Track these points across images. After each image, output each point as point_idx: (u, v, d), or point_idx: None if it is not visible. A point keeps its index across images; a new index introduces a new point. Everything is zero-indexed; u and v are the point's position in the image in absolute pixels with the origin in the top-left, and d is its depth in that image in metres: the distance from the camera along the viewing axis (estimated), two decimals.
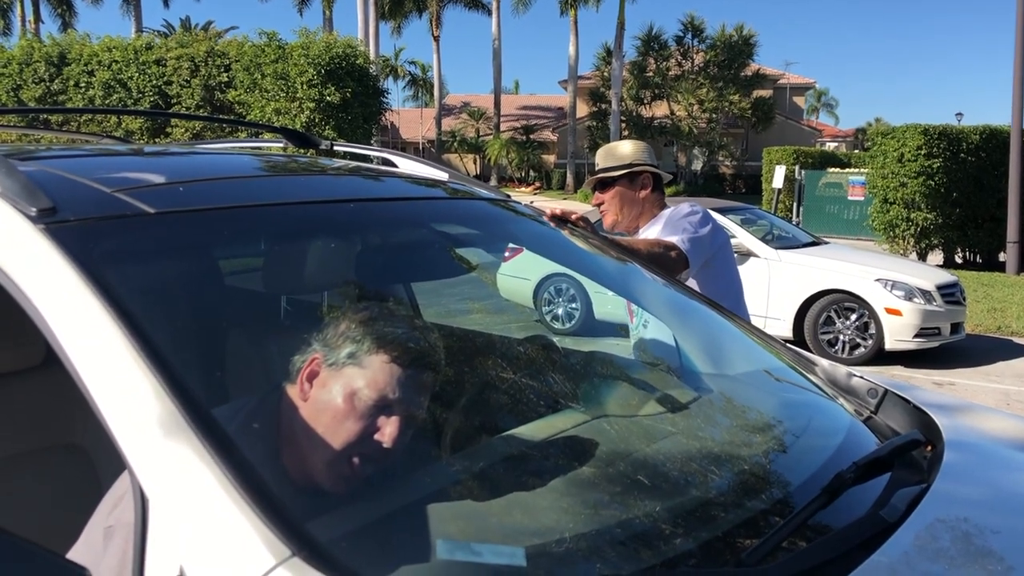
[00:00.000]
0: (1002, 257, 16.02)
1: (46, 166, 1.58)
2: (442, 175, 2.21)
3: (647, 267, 2.21)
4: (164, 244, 1.37)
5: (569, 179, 40.00)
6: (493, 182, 39.40)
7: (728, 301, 2.81)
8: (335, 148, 2.49)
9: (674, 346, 2.10)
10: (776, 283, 8.43)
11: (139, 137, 18.35)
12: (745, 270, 8.64)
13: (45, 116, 17.10)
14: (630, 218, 2.96)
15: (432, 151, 45.44)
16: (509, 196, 2.29)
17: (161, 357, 1.10)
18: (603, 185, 2.97)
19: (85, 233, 1.27)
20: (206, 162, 1.94)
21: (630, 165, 2.94)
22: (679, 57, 38.93)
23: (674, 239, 2.68)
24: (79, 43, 19.76)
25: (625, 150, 3.00)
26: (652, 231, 2.87)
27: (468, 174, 16.31)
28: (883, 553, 1.14)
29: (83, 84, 19.20)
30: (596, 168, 3.03)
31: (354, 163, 2.23)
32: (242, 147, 2.51)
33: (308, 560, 0.91)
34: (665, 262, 2.63)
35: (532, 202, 2.75)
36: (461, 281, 2.67)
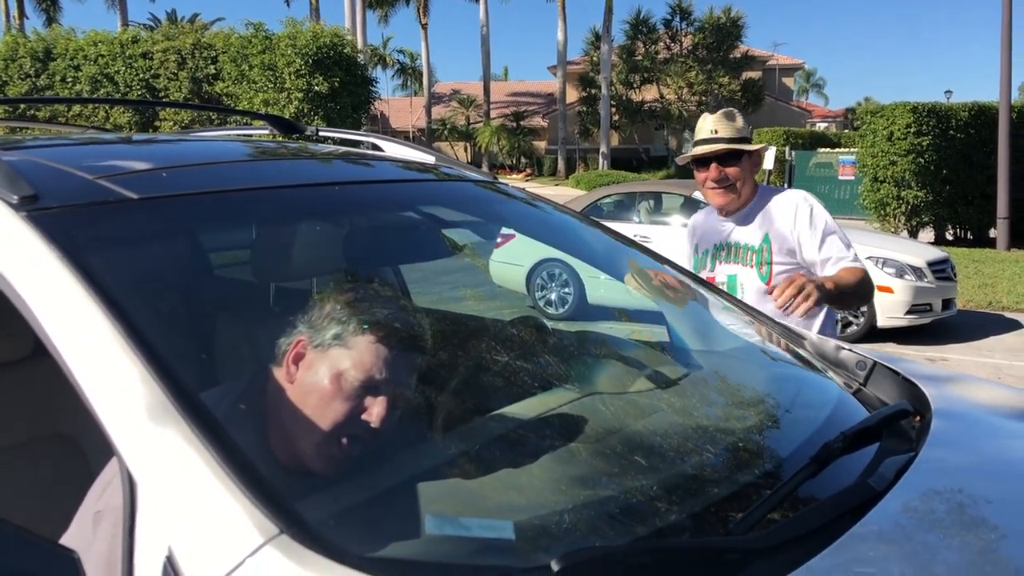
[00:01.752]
0: (992, 233, 16.08)
1: (29, 155, 1.57)
2: (429, 158, 2.20)
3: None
4: (148, 230, 1.37)
5: (560, 165, 39.91)
6: (484, 169, 39.23)
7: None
8: (321, 134, 2.47)
9: (664, 323, 2.10)
10: None
11: (127, 131, 18.25)
12: None
13: (32, 111, 16.99)
14: (741, 200, 2.71)
15: (422, 140, 45.28)
16: (498, 179, 2.29)
17: (147, 342, 1.10)
18: (729, 158, 2.66)
19: (68, 220, 1.27)
20: (191, 149, 1.93)
21: (751, 139, 2.69)
22: (668, 40, 38.82)
23: (846, 257, 2.59)
24: (64, 38, 19.64)
25: (741, 122, 2.72)
26: (760, 222, 2.68)
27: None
28: (871, 520, 1.15)
29: (69, 79, 19.09)
30: (713, 136, 2.68)
31: (341, 148, 2.22)
32: (227, 135, 2.50)
33: (296, 537, 0.91)
34: (867, 296, 2.64)
35: (523, 188, 2.68)
36: (453, 268, 2.66)
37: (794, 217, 2.64)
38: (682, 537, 1.13)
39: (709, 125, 2.72)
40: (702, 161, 2.70)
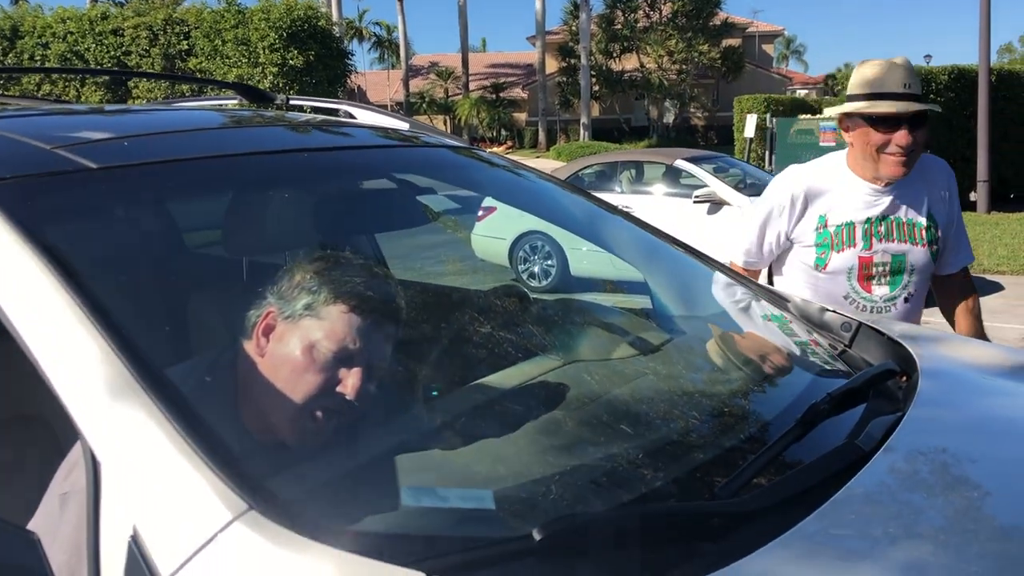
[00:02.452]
0: (973, 196, 16.16)
1: None
2: (403, 125, 2.15)
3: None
4: (107, 200, 1.32)
5: (541, 136, 39.72)
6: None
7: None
8: (292, 103, 2.42)
9: (647, 293, 2.07)
10: None
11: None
12: (719, 219, 8.71)
13: (1, 89, 16.68)
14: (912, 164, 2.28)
15: (401, 113, 44.90)
16: (475, 145, 2.24)
17: (107, 317, 1.05)
18: (918, 122, 2.20)
19: (21, 191, 1.22)
20: (156, 118, 1.87)
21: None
22: (647, 8, 38.56)
23: (966, 254, 2.46)
24: (32, 15, 19.28)
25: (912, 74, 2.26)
26: (916, 192, 2.33)
27: None
28: (859, 482, 1.13)
29: (38, 57, 18.76)
30: (906, 91, 2.18)
31: (315, 116, 2.17)
32: (195, 105, 2.43)
33: (267, 513, 0.87)
34: None
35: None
36: (435, 242, 2.62)
37: (947, 190, 2.37)
38: (667, 503, 1.10)
39: (899, 76, 2.19)
40: (884, 121, 2.19)
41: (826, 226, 2.35)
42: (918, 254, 2.34)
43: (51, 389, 1.02)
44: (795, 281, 2.46)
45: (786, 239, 2.42)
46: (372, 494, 1.06)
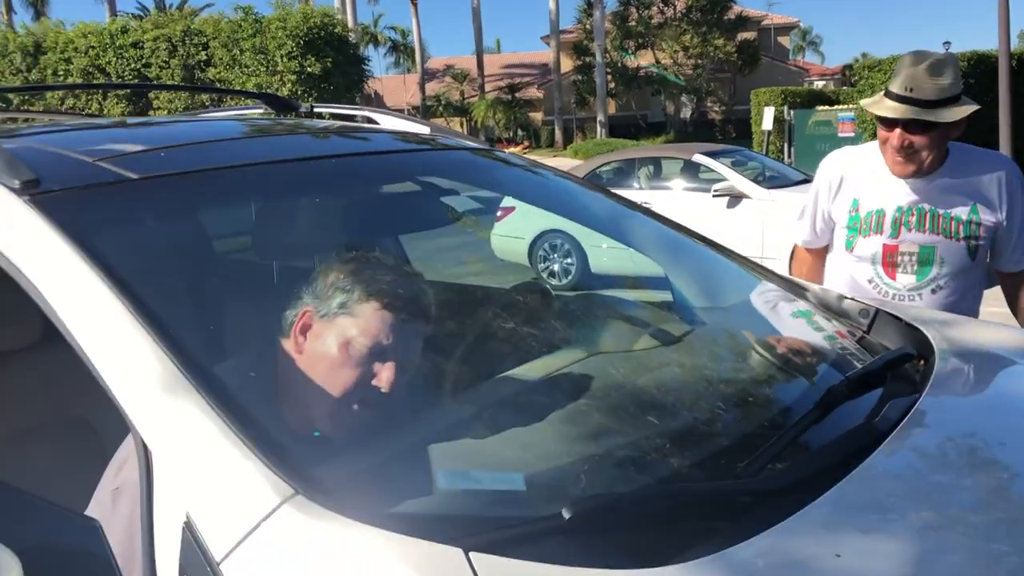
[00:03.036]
0: None
1: (28, 142, 1.58)
2: (424, 129, 2.20)
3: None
4: (150, 208, 1.38)
5: (558, 135, 39.70)
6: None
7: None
8: (315, 111, 2.48)
9: (668, 288, 2.11)
10: (771, 223, 8.41)
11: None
12: (739, 212, 8.70)
13: (27, 103, 16.94)
14: (931, 164, 2.27)
15: (417, 116, 45.05)
16: (494, 147, 2.29)
17: (157, 318, 1.12)
18: (928, 126, 2.20)
19: (70, 202, 1.28)
20: (187, 129, 1.94)
21: (954, 100, 2.20)
22: (660, 4, 38.43)
23: None
24: (54, 31, 19.56)
25: (950, 77, 2.21)
26: (948, 187, 2.30)
27: None
28: (875, 460, 1.17)
29: (61, 72, 19.05)
30: (907, 94, 2.20)
31: (337, 123, 2.23)
32: (222, 116, 2.50)
33: (312, 497, 0.93)
34: None
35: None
36: (455, 243, 2.66)
37: (1002, 185, 2.30)
38: (690, 483, 1.15)
39: (902, 79, 2.23)
40: (884, 120, 2.27)
41: (858, 210, 2.40)
42: (950, 247, 2.32)
43: (104, 388, 1.09)
44: (832, 261, 2.52)
45: (830, 218, 2.48)
46: (409, 479, 1.11)
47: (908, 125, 2.21)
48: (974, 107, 2.23)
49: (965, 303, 2.39)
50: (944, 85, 2.19)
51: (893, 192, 2.35)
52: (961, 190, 2.31)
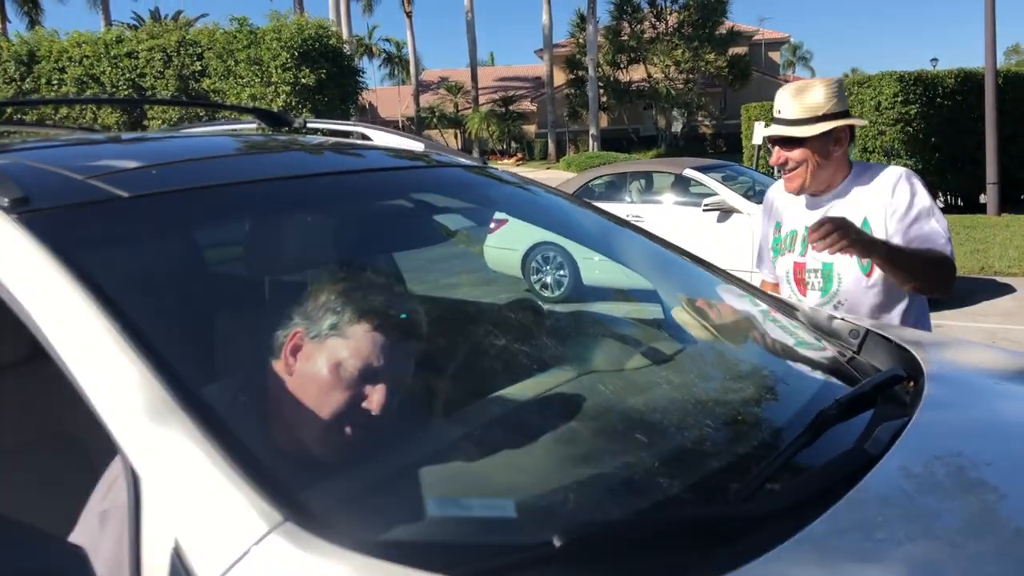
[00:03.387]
0: (982, 199, 16.11)
1: (18, 158, 1.57)
2: (418, 146, 2.20)
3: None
4: (140, 227, 1.37)
5: (551, 148, 39.81)
6: (475, 155, 39.14)
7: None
8: (309, 126, 2.48)
9: (658, 302, 2.11)
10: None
11: (116, 131, 18.16)
12: (729, 227, 8.73)
13: (19, 114, 16.90)
14: (819, 181, 2.43)
15: (412, 129, 45.10)
16: (488, 163, 2.29)
17: (145, 340, 1.11)
18: (790, 142, 2.41)
19: (59, 221, 1.27)
20: (179, 145, 1.93)
21: (824, 118, 2.37)
22: (653, 19, 38.65)
23: (938, 239, 2.31)
24: (48, 40, 19.51)
25: (818, 98, 2.39)
26: (849, 202, 2.41)
27: None
28: (867, 485, 1.17)
29: (55, 81, 19.00)
30: (777, 116, 2.44)
31: (330, 139, 2.23)
32: (215, 130, 2.50)
33: (301, 524, 0.92)
34: (942, 282, 2.33)
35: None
36: (448, 255, 2.66)
37: (891, 197, 2.38)
38: (682, 509, 1.14)
39: (776, 101, 2.48)
40: (771, 141, 2.49)
41: (779, 232, 2.61)
42: (846, 263, 2.40)
43: (92, 410, 1.08)
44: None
45: (767, 244, 2.68)
46: (399, 504, 1.11)
47: (780, 143, 2.43)
48: (840, 123, 2.39)
49: (875, 320, 2.37)
50: (809, 104, 2.38)
51: (802, 212, 2.52)
52: (855, 206, 2.41)
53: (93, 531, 1.19)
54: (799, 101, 2.40)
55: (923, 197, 2.39)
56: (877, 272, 2.37)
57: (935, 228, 2.35)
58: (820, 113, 2.37)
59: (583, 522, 1.06)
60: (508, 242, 6.62)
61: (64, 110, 18.57)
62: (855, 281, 2.41)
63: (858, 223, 2.34)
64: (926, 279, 2.36)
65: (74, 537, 1.22)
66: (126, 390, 1.06)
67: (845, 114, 2.42)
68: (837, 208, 2.42)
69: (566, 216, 2.26)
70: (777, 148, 2.44)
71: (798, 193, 2.48)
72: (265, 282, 1.67)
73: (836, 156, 2.42)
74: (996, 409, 1.56)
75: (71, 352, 1.11)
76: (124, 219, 1.35)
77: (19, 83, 19.15)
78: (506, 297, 2.01)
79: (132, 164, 1.56)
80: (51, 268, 1.17)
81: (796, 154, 2.40)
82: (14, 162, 1.49)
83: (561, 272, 7.63)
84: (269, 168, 1.74)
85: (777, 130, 2.43)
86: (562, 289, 7.47)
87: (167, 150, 1.85)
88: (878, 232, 2.35)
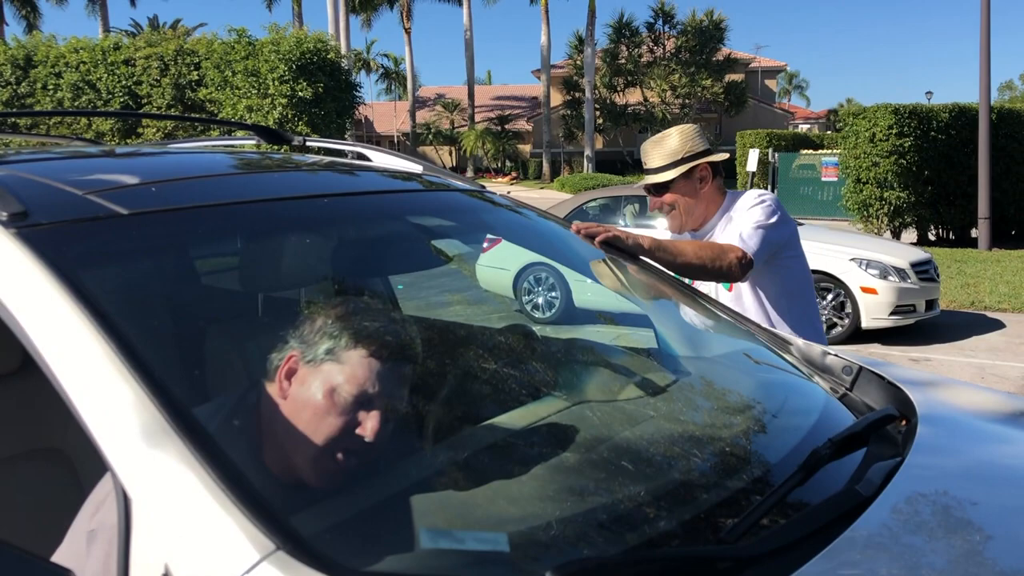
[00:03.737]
0: (974, 233, 16.22)
1: (16, 170, 1.56)
2: (416, 168, 2.21)
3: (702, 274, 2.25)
4: (138, 245, 1.37)
5: (545, 168, 40.01)
6: (469, 173, 39.38)
7: (798, 300, 2.69)
8: (308, 144, 2.48)
9: (651, 328, 2.11)
10: None
11: (110, 139, 18.15)
12: None
13: (13, 120, 16.86)
14: (694, 218, 2.67)
15: (407, 144, 45.25)
16: (484, 187, 2.30)
17: (140, 360, 1.10)
18: (658, 188, 2.66)
19: (58, 236, 1.27)
20: (178, 162, 1.93)
21: (682, 161, 2.61)
22: (650, 43, 39.02)
23: (735, 239, 2.47)
24: (45, 44, 19.48)
25: (673, 144, 2.63)
26: (721, 227, 2.64)
27: (444, 166, 16.20)
28: (861, 526, 1.17)
29: (51, 86, 18.96)
30: (644, 167, 2.70)
31: (328, 158, 2.23)
32: (214, 146, 2.49)
33: (292, 553, 0.92)
34: (720, 271, 2.42)
35: (509, 192, 2.67)
36: (441, 273, 2.66)
37: (729, 216, 2.62)
38: (674, 545, 1.14)
39: (641, 155, 2.71)
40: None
41: None
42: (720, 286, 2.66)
43: (84, 428, 1.07)
44: None
45: None
46: (391, 534, 1.10)
47: (650, 191, 2.69)
48: (697, 162, 2.60)
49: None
50: (666, 152, 2.62)
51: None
52: (722, 230, 2.62)
53: (80, 550, 1.17)
54: (658, 151, 2.64)
55: (757, 212, 2.54)
56: (736, 287, 2.65)
57: (740, 232, 2.49)
58: (678, 157, 2.60)
59: (576, 558, 1.06)
60: (500, 261, 6.62)
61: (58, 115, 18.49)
62: (726, 297, 2.65)
63: None
64: (705, 272, 2.45)
65: (60, 555, 1.21)
66: (120, 410, 1.05)
67: (706, 153, 2.63)
68: (717, 238, 2.63)
69: (559, 242, 2.26)
70: (650, 196, 2.68)
71: (680, 232, 2.71)
72: (260, 303, 1.67)
73: (705, 192, 2.64)
74: (988, 451, 1.56)
75: (66, 369, 1.10)
76: (122, 236, 1.35)
77: (15, 87, 19.11)
78: (499, 320, 2.01)
79: (132, 180, 1.56)
80: (48, 283, 1.16)
81: (667, 198, 2.65)
82: (12, 174, 1.49)
83: (553, 294, 7.62)
84: (268, 188, 1.74)
85: (646, 179, 2.68)
86: (553, 311, 7.46)
87: (166, 167, 1.84)
88: None
